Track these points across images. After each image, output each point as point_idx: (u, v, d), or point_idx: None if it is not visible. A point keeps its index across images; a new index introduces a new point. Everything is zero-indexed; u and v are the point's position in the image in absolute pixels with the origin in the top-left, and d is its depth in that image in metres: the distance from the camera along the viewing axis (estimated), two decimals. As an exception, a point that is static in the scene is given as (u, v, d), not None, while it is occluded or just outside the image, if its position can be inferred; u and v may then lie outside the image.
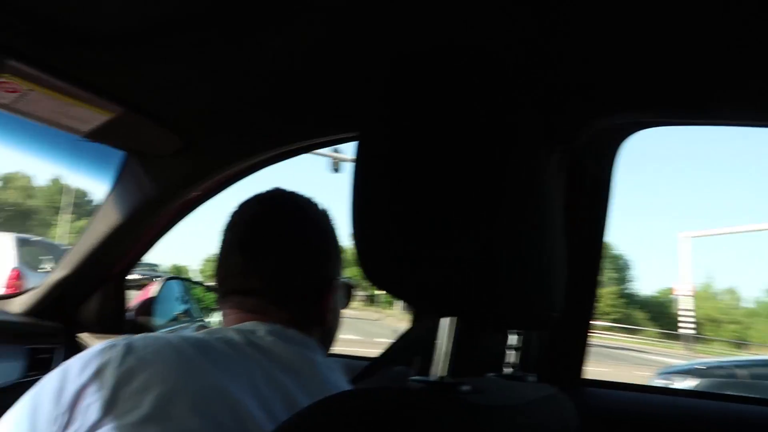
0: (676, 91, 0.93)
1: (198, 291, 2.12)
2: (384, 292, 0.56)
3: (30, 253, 7.17)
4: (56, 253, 7.58)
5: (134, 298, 1.77)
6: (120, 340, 0.68)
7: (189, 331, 2.01)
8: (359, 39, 0.86)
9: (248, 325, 0.76)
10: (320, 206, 0.88)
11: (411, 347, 1.35)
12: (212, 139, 1.25)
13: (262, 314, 0.78)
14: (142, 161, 1.37)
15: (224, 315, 0.83)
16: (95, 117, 1.12)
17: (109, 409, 0.60)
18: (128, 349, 0.65)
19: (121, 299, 1.71)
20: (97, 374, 0.63)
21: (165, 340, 0.68)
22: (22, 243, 7.19)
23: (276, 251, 0.80)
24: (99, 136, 1.21)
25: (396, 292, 0.55)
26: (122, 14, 0.84)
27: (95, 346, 0.68)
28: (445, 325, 0.55)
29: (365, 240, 0.53)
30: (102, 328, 1.65)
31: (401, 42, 0.84)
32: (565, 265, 0.60)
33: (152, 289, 1.77)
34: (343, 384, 0.77)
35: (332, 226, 0.88)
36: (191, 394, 0.62)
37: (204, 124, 1.20)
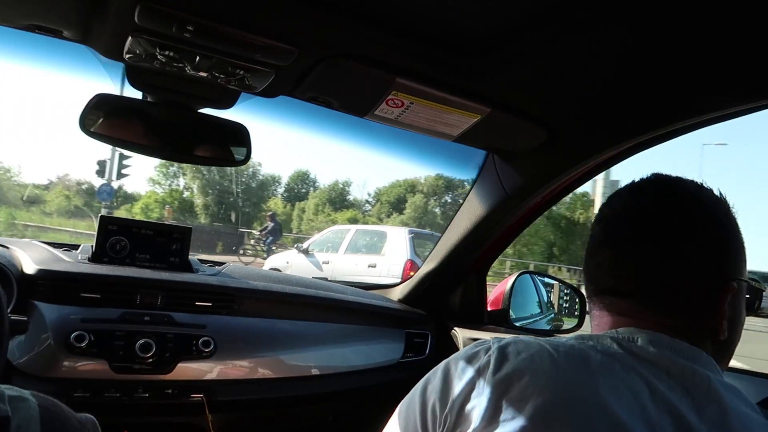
0: None
1: (554, 286, 2.07)
2: None
3: (418, 245, 8.36)
4: (434, 242, 8.57)
5: (493, 290, 1.81)
6: (491, 341, 0.67)
7: (543, 323, 1.98)
8: None
9: (624, 331, 0.66)
10: (712, 192, 0.72)
11: None
12: (579, 128, 1.16)
13: (638, 319, 0.67)
14: (504, 158, 1.37)
15: (593, 317, 0.75)
16: (465, 121, 1.15)
17: (490, 416, 0.59)
18: (502, 355, 0.64)
19: (482, 292, 1.77)
20: (476, 379, 0.63)
21: (537, 345, 0.64)
22: (413, 236, 8.47)
23: (651, 245, 0.68)
24: (466, 138, 1.24)
25: None
26: (490, 19, 0.82)
27: (469, 348, 0.68)
28: None
29: None
30: (465, 318, 1.74)
31: None
32: None
33: (507, 283, 1.79)
34: (750, 411, 0.60)
35: (728, 214, 0.71)
36: (571, 410, 0.57)
37: (571, 115, 1.12)
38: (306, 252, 9.69)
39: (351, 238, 9.26)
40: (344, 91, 1.06)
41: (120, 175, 12.43)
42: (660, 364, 0.62)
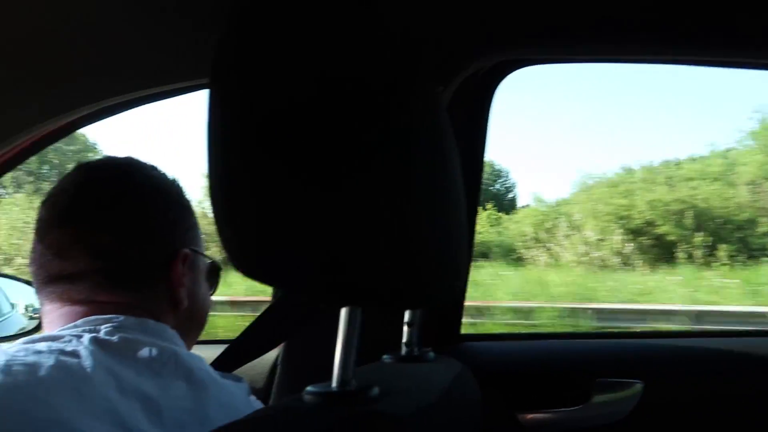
0: (547, 26, 0.87)
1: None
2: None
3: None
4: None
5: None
6: None
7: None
8: None
9: (84, 322, 0.61)
10: (160, 172, 0.74)
11: (276, 328, 1.04)
12: None
13: (98, 304, 0.63)
14: None
15: (44, 313, 0.67)
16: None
17: None
18: None
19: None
20: None
21: None
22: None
23: (104, 221, 0.66)
24: None
25: (281, 283, 0.48)
26: None
27: None
28: (348, 316, 0.45)
29: (229, 218, 0.40)
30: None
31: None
32: (465, 225, 0.51)
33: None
34: (219, 378, 0.63)
35: (177, 191, 0.74)
36: None
37: None
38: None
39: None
40: None
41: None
42: (126, 350, 0.57)
